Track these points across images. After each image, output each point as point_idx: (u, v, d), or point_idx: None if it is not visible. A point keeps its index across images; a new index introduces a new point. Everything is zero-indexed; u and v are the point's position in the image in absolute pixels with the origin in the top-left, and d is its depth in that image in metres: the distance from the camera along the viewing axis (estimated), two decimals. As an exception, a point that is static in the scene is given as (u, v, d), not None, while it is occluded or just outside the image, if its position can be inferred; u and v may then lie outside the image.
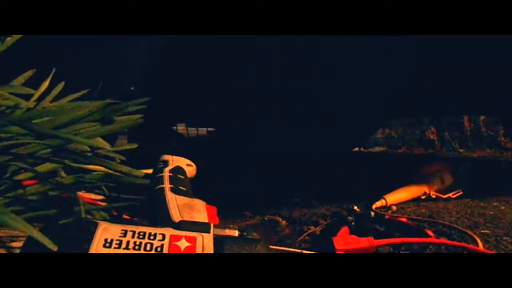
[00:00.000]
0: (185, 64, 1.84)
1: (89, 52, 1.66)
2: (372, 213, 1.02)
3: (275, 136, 1.83)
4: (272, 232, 1.05)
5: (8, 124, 0.71)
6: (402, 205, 1.16)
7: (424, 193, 1.21)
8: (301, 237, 1.00)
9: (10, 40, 0.78)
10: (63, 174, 0.79)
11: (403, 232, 0.92)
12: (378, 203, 1.10)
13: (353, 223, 0.97)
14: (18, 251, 0.61)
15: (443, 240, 0.89)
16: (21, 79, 0.89)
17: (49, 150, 0.76)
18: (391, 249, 0.86)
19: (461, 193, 1.23)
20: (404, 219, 0.97)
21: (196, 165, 0.91)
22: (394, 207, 1.12)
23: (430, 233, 0.92)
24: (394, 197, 1.15)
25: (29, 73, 0.90)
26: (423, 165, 1.36)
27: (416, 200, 1.21)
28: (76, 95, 0.97)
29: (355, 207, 1.08)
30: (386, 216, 1.00)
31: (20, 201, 0.72)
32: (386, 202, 1.12)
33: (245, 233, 0.65)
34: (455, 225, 0.95)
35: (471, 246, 0.83)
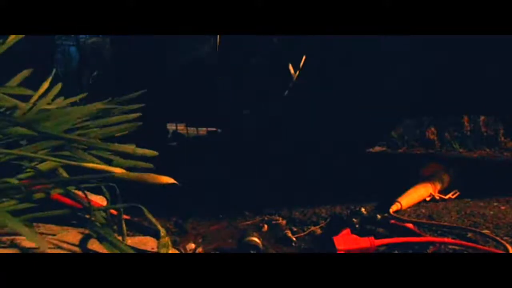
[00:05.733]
0: (183, 63, 1.84)
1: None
2: (379, 216, 1.00)
3: (275, 137, 1.83)
4: (272, 232, 1.05)
5: (9, 124, 0.71)
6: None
7: (430, 194, 1.21)
8: (301, 237, 1.00)
9: (10, 40, 0.78)
10: (63, 173, 0.79)
11: (404, 234, 0.91)
12: (394, 207, 1.09)
13: (357, 226, 0.97)
14: (18, 251, 0.61)
15: (443, 239, 0.89)
16: (17, 79, 0.88)
17: (50, 149, 0.75)
18: (392, 249, 0.86)
19: (458, 193, 1.24)
20: (410, 225, 0.95)
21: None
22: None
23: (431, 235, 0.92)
24: (407, 200, 1.14)
25: (25, 72, 0.90)
26: (422, 167, 1.36)
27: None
28: (75, 98, 0.97)
29: (362, 209, 1.07)
30: (392, 221, 0.99)
31: (20, 201, 0.71)
32: (401, 206, 1.11)
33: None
34: (468, 226, 0.95)
35: (471, 244, 0.83)
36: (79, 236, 0.74)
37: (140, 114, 0.90)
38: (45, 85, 0.94)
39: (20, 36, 0.78)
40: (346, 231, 0.90)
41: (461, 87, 1.45)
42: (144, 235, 0.85)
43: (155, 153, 0.79)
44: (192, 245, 0.95)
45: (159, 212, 0.78)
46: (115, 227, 0.73)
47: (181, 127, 2.59)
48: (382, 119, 1.97)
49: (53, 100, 0.94)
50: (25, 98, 0.87)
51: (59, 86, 0.95)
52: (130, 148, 0.79)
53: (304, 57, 1.67)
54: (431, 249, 0.85)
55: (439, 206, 1.16)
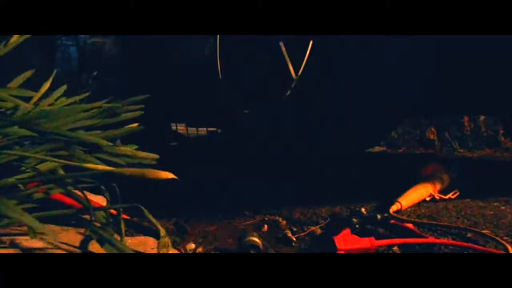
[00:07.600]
0: (184, 63, 1.84)
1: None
2: (379, 216, 1.00)
3: (276, 137, 1.83)
4: (272, 232, 1.05)
5: (10, 125, 0.71)
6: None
7: (430, 194, 1.21)
8: (301, 237, 1.00)
9: (13, 41, 0.78)
10: (63, 173, 0.79)
11: (404, 234, 0.91)
12: (394, 207, 1.09)
13: (357, 226, 0.97)
14: (18, 251, 0.61)
15: (443, 240, 0.89)
16: (19, 80, 0.88)
17: (50, 149, 0.75)
18: (392, 250, 0.86)
19: (458, 193, 1.24)
20: (410, 225, 0.95)
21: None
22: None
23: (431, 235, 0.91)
24: (407, 200, 1.14)
25: (28, 73, 0.90)
26: (422, 167, 1.36)
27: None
28: (77, 97, 0.97)
29: (362, 209, 1.07)
30: (392, 221, 0.99)
31: (22, 201, 0.72)
32: (401, 206, 1.11)
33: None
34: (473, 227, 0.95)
35: (470, 245, 0.83)
36: (79, 236, 0.74)
37: (142, 112, 0.90)
38: (46, 85, 0.94)
39: (22, 37, 0.78)
40: (346, 231, 0.90)
41: (461, 87, 1.45)
42: (144, 235, 0.85)
43: (157, 156, 0.79)
44: (192, 245, 0.95)
45: (159, 212, 0.78)
46: (115, 227, 0.73)
47: (181, 127, 2.59)
48: (382, 119, 1.97)
49: (55, 100, 0.94)
50: (28, 99, 0.87)
51: (63, 88, 0.95)
52: (131, 150, 0.79)
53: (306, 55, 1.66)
54: (433, 249, 0.85)
55: (439, 206, 1.16)
